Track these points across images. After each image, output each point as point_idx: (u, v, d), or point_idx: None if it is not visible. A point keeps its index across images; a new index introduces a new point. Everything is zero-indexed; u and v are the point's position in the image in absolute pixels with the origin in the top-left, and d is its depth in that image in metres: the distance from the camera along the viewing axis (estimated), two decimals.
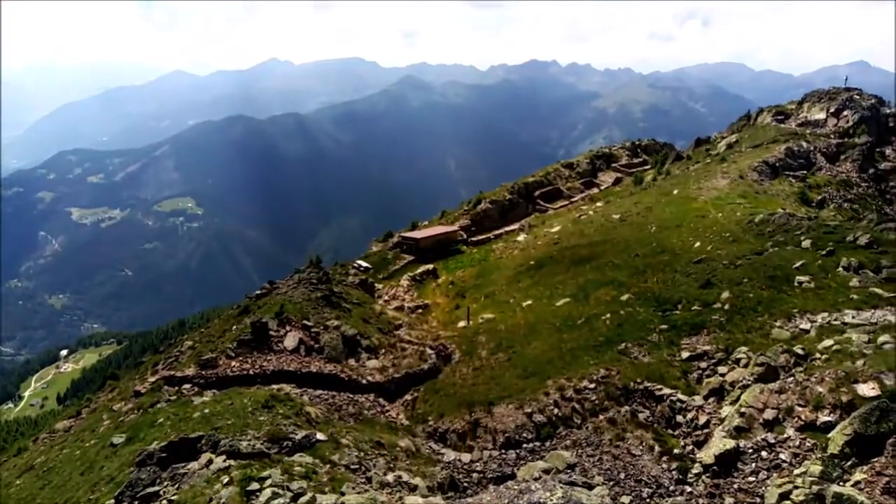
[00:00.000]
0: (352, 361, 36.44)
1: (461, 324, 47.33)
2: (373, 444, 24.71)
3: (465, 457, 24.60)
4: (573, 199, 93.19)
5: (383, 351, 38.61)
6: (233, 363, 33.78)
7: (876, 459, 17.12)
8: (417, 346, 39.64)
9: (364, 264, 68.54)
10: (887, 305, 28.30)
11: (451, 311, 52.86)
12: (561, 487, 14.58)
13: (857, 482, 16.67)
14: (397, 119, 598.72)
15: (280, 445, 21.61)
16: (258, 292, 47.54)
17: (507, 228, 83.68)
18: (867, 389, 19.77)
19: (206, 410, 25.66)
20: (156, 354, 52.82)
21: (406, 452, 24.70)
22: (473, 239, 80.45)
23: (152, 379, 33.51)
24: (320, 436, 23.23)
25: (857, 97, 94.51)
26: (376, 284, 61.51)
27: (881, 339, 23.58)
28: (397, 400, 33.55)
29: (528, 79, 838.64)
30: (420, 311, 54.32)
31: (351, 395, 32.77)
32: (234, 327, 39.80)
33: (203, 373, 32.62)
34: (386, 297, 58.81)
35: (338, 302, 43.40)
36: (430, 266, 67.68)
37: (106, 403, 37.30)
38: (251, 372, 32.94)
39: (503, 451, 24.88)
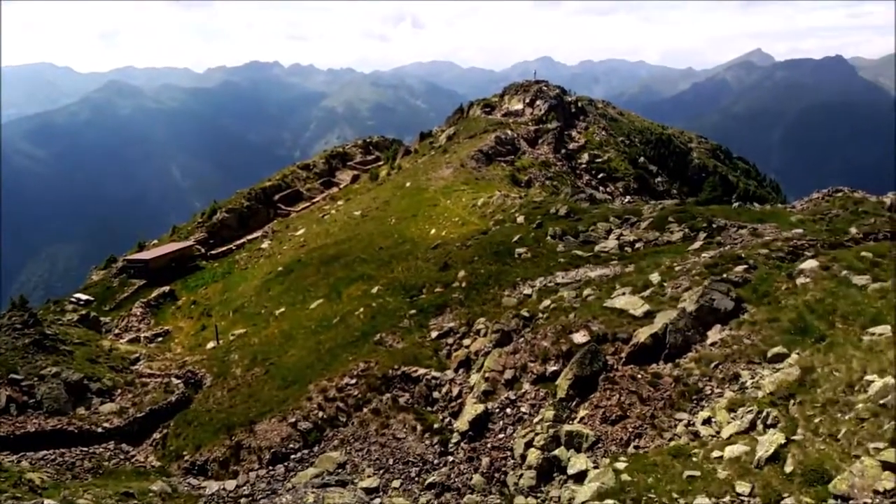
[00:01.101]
0: (81, 410, 31.55)
1: (210, 345, 44.22)
2: (119, 496, 21.74)
3: (230, 483, 23.01)
4: (315, 200, 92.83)
5: (119, 391, 34.17)
6: None
7: (593, 395, 20.26)
8: (161, 379, 35.90)
9: (84, 297, 59.88)
10: (586, 264, 33.69)
11: (198, 332, 49.15)
12: (312, 493, 14.46)
13: (582, 418, 19.55)
14: (105, 129, 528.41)
15: None
16: None
17: (250, 237, 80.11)
18: (580, 337, 23.23)
19: None
20: None
21: (161, 496, 22.24)
22: (213, 252, 75.38)
23: None
24: (49, 502, 19.73)
25: (546, 88, 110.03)
26: (102, 318, 54.28)
27: (585, 292, 27.94)
28: (144, 441, 30.05)
29: (250, 80, 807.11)
30: (160, 339, 49.51)
31: (85, 449, 28.42)
32: None
33: None
34: (117, 331, 52.40)
35: (53, 345, 37.09)
36: (167, 288, 61.84)
37: None
38: None
39: (271, 467, 23.87)
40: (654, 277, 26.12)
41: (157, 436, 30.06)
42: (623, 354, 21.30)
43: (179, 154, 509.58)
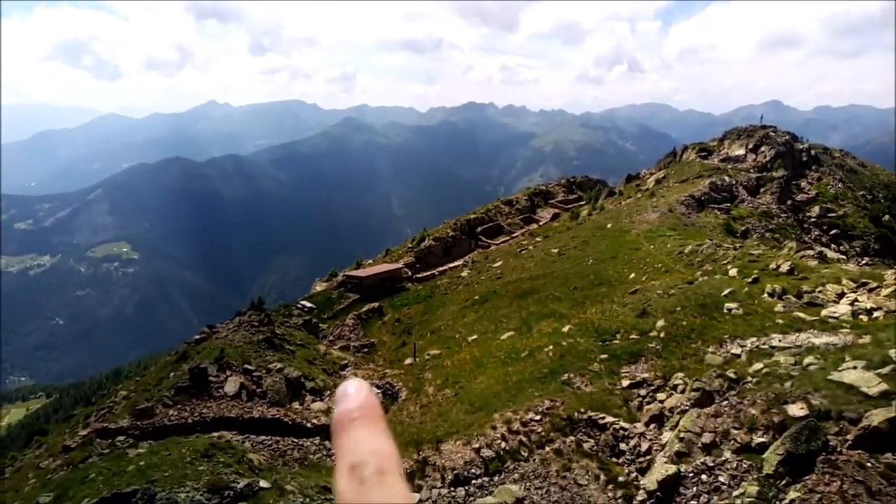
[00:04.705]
0: (296, 405, 35.62)
1: (408, 361, 47.14)
2: (319, 489, 24.10)
3: (414, 497, 24.26)
4: (514, 235, 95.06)
5: (329, 392, 37.92)
6: (170, 412, 32.44)
7: (808, 477, 17.86)
8: None
9: (308, 304, 67.58)
10: (809, 329, 29.94)
11: (398, 348, 52.69)
12: None
13: (792, 500, 17.33)
14: (339, 159, 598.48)
15: (221, 495, 20.83)
16: (197, 337, 46.08)
17: (452, 264, 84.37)
18: (796, 410, 20.68)
19: (142, 462, 24.46)
20: (88, 406, 50.20)
21: None
22: (418, 276, 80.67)
23: (83, 432, 31.73)
24: (263, 483, 22.51)
25: (773, 134, 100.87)
26: (321, 325, 60.71)
27: (806, 360, 24.83)
28: None
29: (466, 120, 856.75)
30: (366, 349, 53.88)
31: (295, 440, 31.96)
32: (172, 374, 38.33)
33: (138, 423, 31.16)
34: (331, 337, 58.08)
35: (280, 344, 42.51)
36: (376, 304, 67.36)
37: (32, 461, 34.98)
38: (190, 420, 31.69)
39: (452, 488, 24.63)
40: None
41: None
42: (849, 437, 18.50)
43: (398, 185, 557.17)
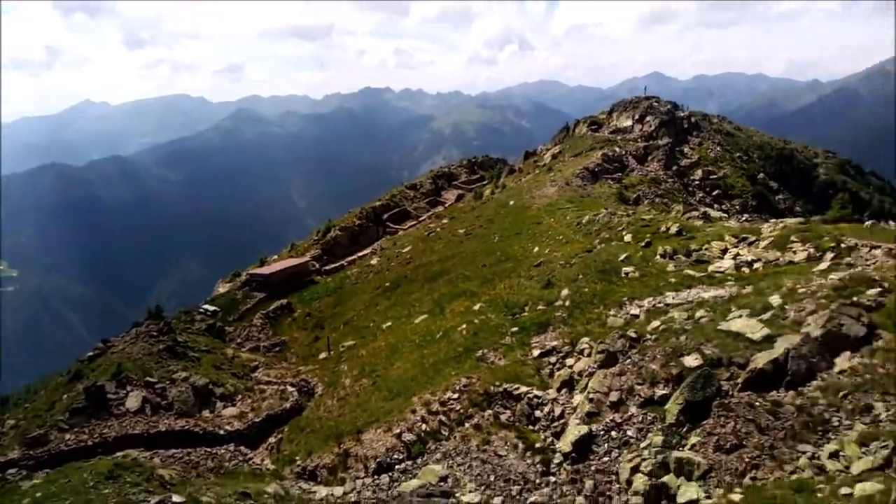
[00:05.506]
0: (206, 413, 34.16)
1: (322, 355, 46.35)
2: (237, 495, 23.22)
3: (338, 490, 23.93)
4: (421, 219, 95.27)
5: (240, 396, 36.64)
6: (67, 436, 30.23)
7: (706, 422, 19.13)
8: (277, 386, 38.13)
9: (211, 308, 64.66)
10: (699, 284, 32.08)
11: (311, 343, 51.68)
12: (417, 502, 14.71)
13: (693, 445, 18.53)
14: (233, 153, 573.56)
15: None
16: (91, 354, 43.10)
17: (360, 253, 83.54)
18: (691, 360, 22.09)
19: (38, 494, 22.63)
20: None
21: (275, 498, 23.51)
22: (327, 268, 79.24)
23: None
24: (177, 498, 21.40)
25: (656, 104, 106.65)
26: (227, 328, 58.35)
27: (698, 314, 26.54)
28: (260, 445, 31.95)
29: (364, 106, 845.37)
30: (277, 348, 52.47)
31: (209, 449, 30.70)
32: (65, 396, 35.61)
33: (31, 452, 28.86)
34: (239, 340, 56.06)
35: (184, 352, 40.54)
36: (284, 301, 65.53)
37: None
38: (90, 442, 29.74)
39: (376, 476, 24.56)
40: (775, 300, 24.37)
41: (272, 440, 31.84)
42: (739, 380, 19.99)
43: (297, 176, 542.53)
